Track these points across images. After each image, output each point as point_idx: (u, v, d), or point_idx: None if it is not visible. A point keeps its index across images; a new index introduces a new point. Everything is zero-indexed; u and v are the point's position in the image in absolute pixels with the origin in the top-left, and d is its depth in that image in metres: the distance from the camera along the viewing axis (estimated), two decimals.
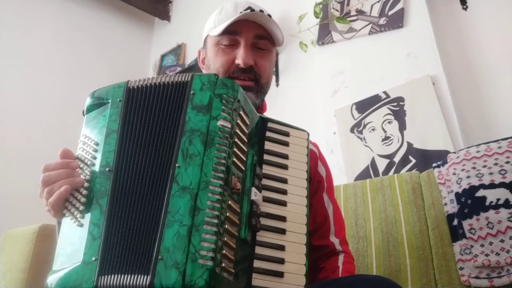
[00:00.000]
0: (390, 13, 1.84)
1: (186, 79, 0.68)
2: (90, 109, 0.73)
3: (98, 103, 0.72)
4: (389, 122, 1.71)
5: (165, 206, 0.58)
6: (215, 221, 0.57)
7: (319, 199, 0.95)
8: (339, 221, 0.97)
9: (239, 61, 0.89)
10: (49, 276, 0.61)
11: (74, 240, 0.62)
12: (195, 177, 0.59)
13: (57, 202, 0.65)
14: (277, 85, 2.30)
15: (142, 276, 0.55)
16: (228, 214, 0.59)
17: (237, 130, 0.66)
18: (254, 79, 0.91)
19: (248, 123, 0.70)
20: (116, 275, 0.57)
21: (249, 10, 0.89)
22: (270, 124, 0.77)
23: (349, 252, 0.96)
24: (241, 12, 0.89)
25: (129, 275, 0.56)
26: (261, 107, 0.99)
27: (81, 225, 0.62)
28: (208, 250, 0.54)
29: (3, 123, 2.36)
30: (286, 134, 0.78)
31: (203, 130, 0.62)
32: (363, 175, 1.70)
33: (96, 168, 0.66)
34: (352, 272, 0.89)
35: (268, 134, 0.76)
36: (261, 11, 0.91)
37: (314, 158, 0.98)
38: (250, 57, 0.90)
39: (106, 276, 0.57)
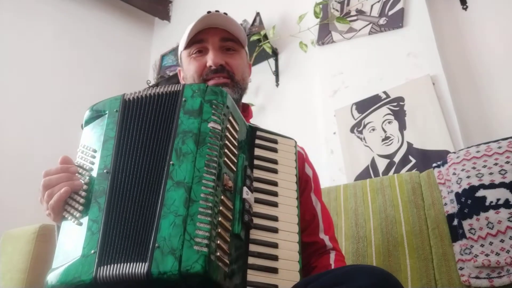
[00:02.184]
0: (390, 13, 1.84)
1: (178, 89, 0.73)
2: (88, 122, 0.77)
3: (96, 115, 0.76)
4: (389, 122, 1.71)
5: (161, 200, 0.61)
6: (209, 211, 0.59)
7: (307, 197, 0.98)
8: (327, 220, 0.99)
9: (209, 62, 0.94)
10: (49, 274, 0.61)
11: (73, 238, 0.63)
12: (188, 172, 0.62)
13: (57, 204, 0.67)
14: (277, 85, 2.30)
15: (140, 263, 0.57)
16: (221, 208, 0.63)
17: (227, 134, 0.70)
18: (228, 77, 0.96)
19: (237, 129, 0.74)
20: (114, 265, 0.58)
21: (206, 13, 0.95)
22: (259, 133, 0.81)
23: (340, 250, 0.98)
24: (200, 20, 0.95)
25: (127, 264, 0.58)
26: (247, 113, 1.03)
27: (80, 224, 0.64)
28: (203, 238, 0.57)
29: (3, 123, 2.36)
30: (275, 142, 0.82)
31: (195, 131, 0.66)
32: (363, 175, 1.70)
33: (95, 173, 0.68)
34: None
35: (258, 141, 0.80)
36: (217, 11, 0.96)
37: (301, 159, 1.01)
38: (220, 57, 0.95)
39: (105, 266, 0.58)
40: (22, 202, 2.10)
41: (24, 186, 2.13)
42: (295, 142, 0.86)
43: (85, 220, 0.64)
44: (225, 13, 0.97)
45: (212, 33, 0.97)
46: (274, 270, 0.67)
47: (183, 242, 0.56)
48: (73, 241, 0.63)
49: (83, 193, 0.67)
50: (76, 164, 0.72)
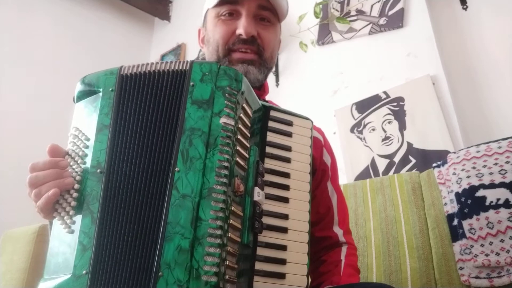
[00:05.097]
0: (390, 13, 1.84)
1: (184, 68, 0.63)
2: (80, 97, 0.67)
3: (88, 90, 0.66)
4: (389, 122, 1.71)
5: (165, 216, 0.54)
6: (219, 232, 0.53)
7: (323, 189, 0.92)
8: (343, 211, 0.93)
9: (240, 30, 0.81)
10: (40, 283, 0.58)
11: (64, 249, 0.58)
12: (196, 183, 0.55)
13: (45, 206, 0.60)
14: (277, 85, 2.30)
15: None
16: (231, 221, 0.56)
17: (240, 126, 0.61)
18: (257, 52, 0.84)
19: (250, 115, 0.66)
20: None
21: None
22: (272, 113, 0.72)
23: (353, 242, 0.93)
24: None
25: None
26: (262, 89, 0.95)
27: (72, 232, 0.58)
28: (212, 265, 0.51)
29: (3, 123, 2.36)
30: (289, 124, 0.73)
31: (204, 130, 0.58)
32: (363, 175, 1.70)
33: (88, 165, 0.61)
34: (354, 265, 0.87)
35: (271, 124, 0.71)
36: None
37: (319, 147, 0.94)
38: (253, 27, 0.82)
39: None
40: (22, 202, 2.08)
41: (24, 186, 2.12)
42: (312, 123, 0.77)
43: (76, 227, 0.57)
44: None
45: None
46: (281, 276, 0.62)
47: (190, 271, 0.50)
48: (64, 252, 0.58)
49: (75, 194, 0.60)
50: (67, 152, 0.64)
